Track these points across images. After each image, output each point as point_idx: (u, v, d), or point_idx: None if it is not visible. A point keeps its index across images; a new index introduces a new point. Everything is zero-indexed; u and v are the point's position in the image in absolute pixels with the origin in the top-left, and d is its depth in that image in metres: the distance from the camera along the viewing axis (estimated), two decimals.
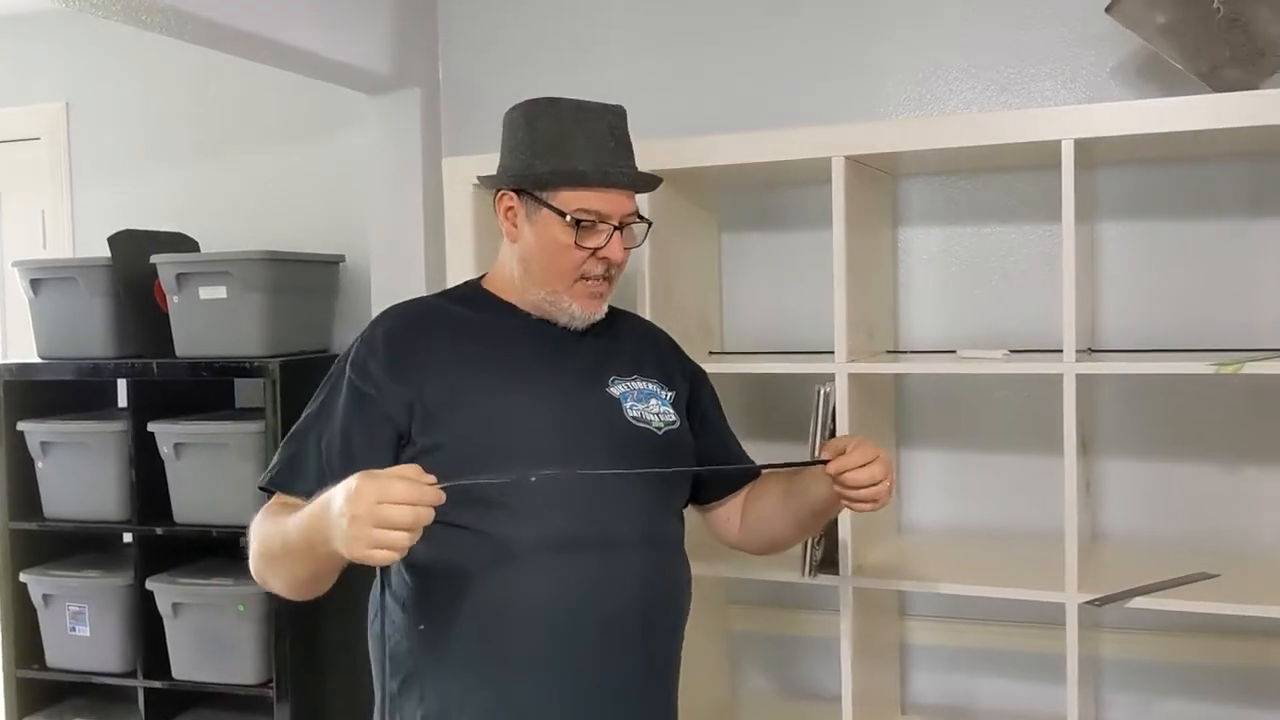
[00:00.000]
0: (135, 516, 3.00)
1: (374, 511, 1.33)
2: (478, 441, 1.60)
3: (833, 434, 2.20)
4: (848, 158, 2.19)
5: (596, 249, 1.65)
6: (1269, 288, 2.33)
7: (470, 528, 1.57)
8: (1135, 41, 2.32)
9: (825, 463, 1.61)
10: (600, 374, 1.71)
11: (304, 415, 1.66)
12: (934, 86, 2.59)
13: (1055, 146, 2.05)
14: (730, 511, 1.87)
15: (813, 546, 2.20)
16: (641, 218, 1.72)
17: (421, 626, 1.61)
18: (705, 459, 1.80)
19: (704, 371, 1.94)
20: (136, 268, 3.03)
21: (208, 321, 2.94)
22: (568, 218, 1.64)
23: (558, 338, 1.70)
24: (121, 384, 3.31)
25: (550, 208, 1.65)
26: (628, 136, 1.73)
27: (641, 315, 2.16)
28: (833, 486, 1.62)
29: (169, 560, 3.06)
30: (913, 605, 2.62)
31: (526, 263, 1.69)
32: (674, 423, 1.73)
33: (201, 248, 3.24)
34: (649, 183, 1.73)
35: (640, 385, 1.73)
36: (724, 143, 2.30)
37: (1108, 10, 2.20)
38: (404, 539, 1.34)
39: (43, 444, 3.10)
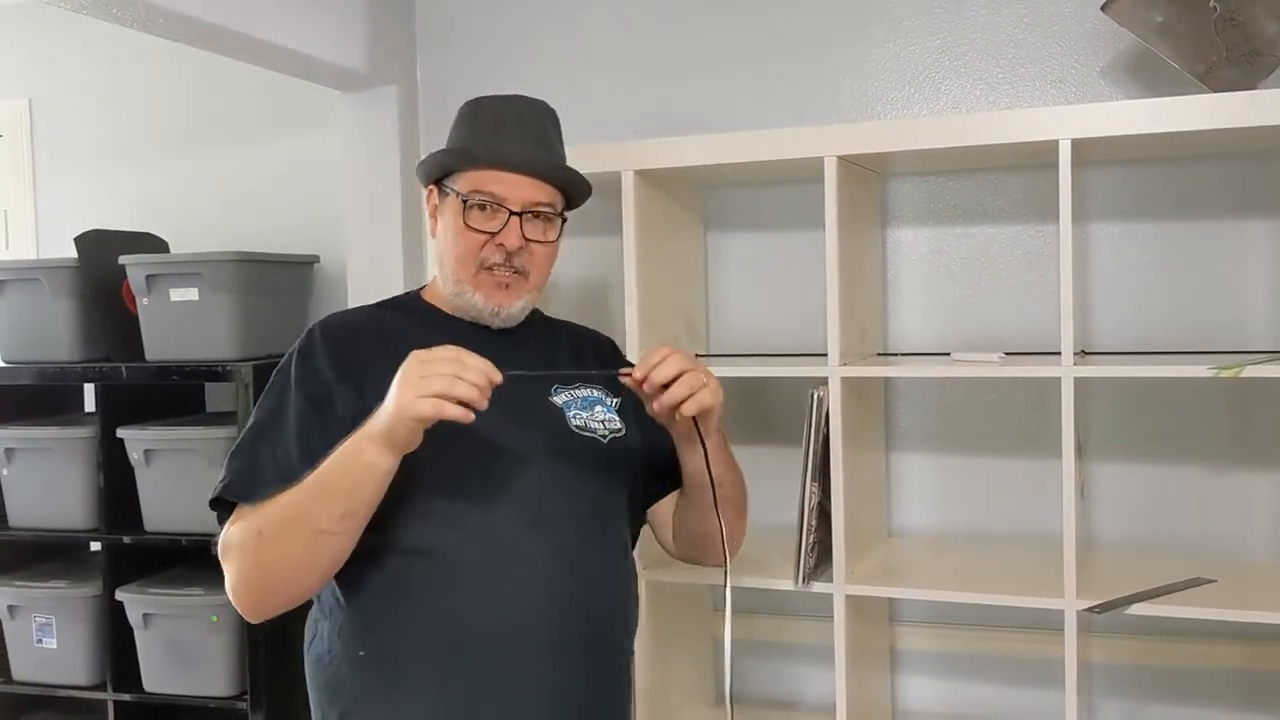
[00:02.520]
0: (104, 525, 2.93)
1: (430, 368, 1.38)
2: (416, 453, 1.53)
3: (826, 438, 2.16)
4: (839, 158, 2.16)
5: (492, 234, 1.60)
6: (1260, 289, 2.32)
7: (406, 544, 1.53)
8: (1124, 41, 2.31)
9: (631, 367, 1.56)
10: (542, 384, 1.67)
11: (247, 429, 1.59)
12: (922, 86, 2.56)
13: (1048, 146, 2.03)
14: (666, 516, 1.82)
15: (805, 554, 2.16)
16: (559, 213, 1.67)
17: (361, 652, 1.54)
18: (649, 460, 1.74)
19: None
20: (104, 269, 2.95)
21: (178, 324, 2.87)
22: (460, 197, 1.60)
23: (496, 346, 1.60)
24: (89, 388, 3.23)
25: (453, 192, 1.63)
26: (544, 129, 1.68)
27: (609, 321, 2.18)
28: (669, 417, 1.58)
29: (139, 569, 2.99)
30: (902, 611, 2.60)
31: (441, 257, 1.67)
32: (619, 430, 1.68)
33: (171, 248, 3.17)
34: (553, 171, 1.66)
35: (584, 393, 1.69)
36: (715, 142, 2.27)
37: (1103, 9, 2.18)
38: (465, 389, 1.37)
39: (7, 450, 3.01)
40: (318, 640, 1.61)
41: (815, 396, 2.15)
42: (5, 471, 3.04)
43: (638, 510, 1.79)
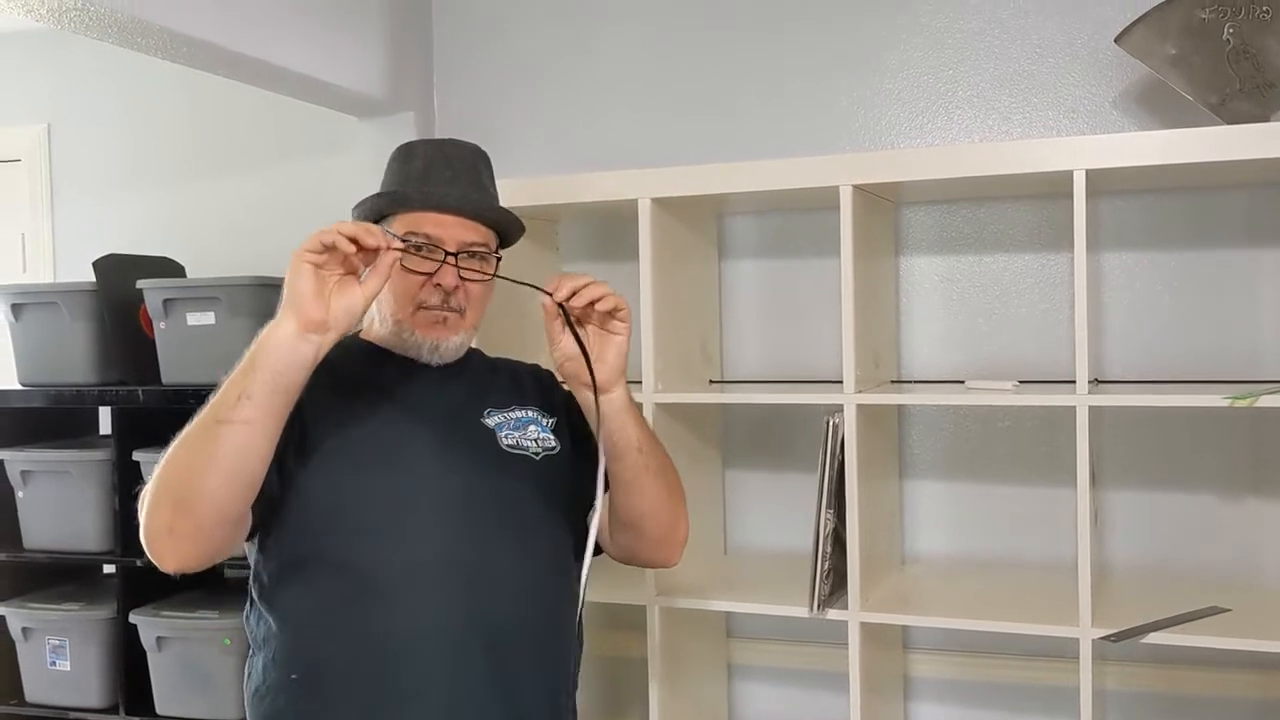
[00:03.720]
0: (118, 547, 2.93)
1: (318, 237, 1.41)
2: (344, 471, 1.56)
3: (841, 465, 2.17)
4: (855, 186, 2.17)
5: (428, 275, 1.60)
6: (1273, 318, 2.33)
7: (336, 560, 1.54)
8: (1137, 72, 2.33)
9: (549, 294, 1.55)
10: (474, 408, 1.68)
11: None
12: (935, 115, 2.58)
13: (1062, 176, 2.05)
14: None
15: (820, 581, 2.17)
16: (493, 252, 1.68)
17: (294, 676, 1.54)
18: (586, 476, 1.69)
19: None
20: (121, 293, 2.96)
21: (195, 348, 2.88)
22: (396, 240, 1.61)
23: (430, 378, 1.65)
24: (105, 412, 3.24)
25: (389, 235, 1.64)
26: (476, 169, 1.70)
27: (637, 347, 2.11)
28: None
29: (152, 592, 2.98)
30: (916, 638, 2.60)
31: (379, 299, 1.64)
32: (554, 448, 1.69)
33: (188, 272, 3.19)
34: (485, 211, 1.67)
35: (518, 414, 1.70)
36: (731, 171, 2.29)
37: (1117, 41, 2.20)
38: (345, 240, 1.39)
39: (23, 473, 3.02)
40: (253, 675, 1.61)
41: (830, 423, 2.16)
42: (21, 494, 3.04)
43: (579, 524, 1.74)
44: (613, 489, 1.65)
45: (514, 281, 1.59)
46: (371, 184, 2.89)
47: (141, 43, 2.28)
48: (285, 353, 1.40)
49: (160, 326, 2.91)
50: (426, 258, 1.60)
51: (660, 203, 2.33)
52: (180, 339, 2.90)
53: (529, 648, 1.60)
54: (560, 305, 1.54)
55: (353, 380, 1.63)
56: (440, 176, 1.66)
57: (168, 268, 3.14)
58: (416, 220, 1.62)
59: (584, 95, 2.83)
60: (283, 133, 3.26)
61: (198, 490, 1.40)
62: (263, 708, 1.58)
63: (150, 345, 2.95)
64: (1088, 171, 2.01)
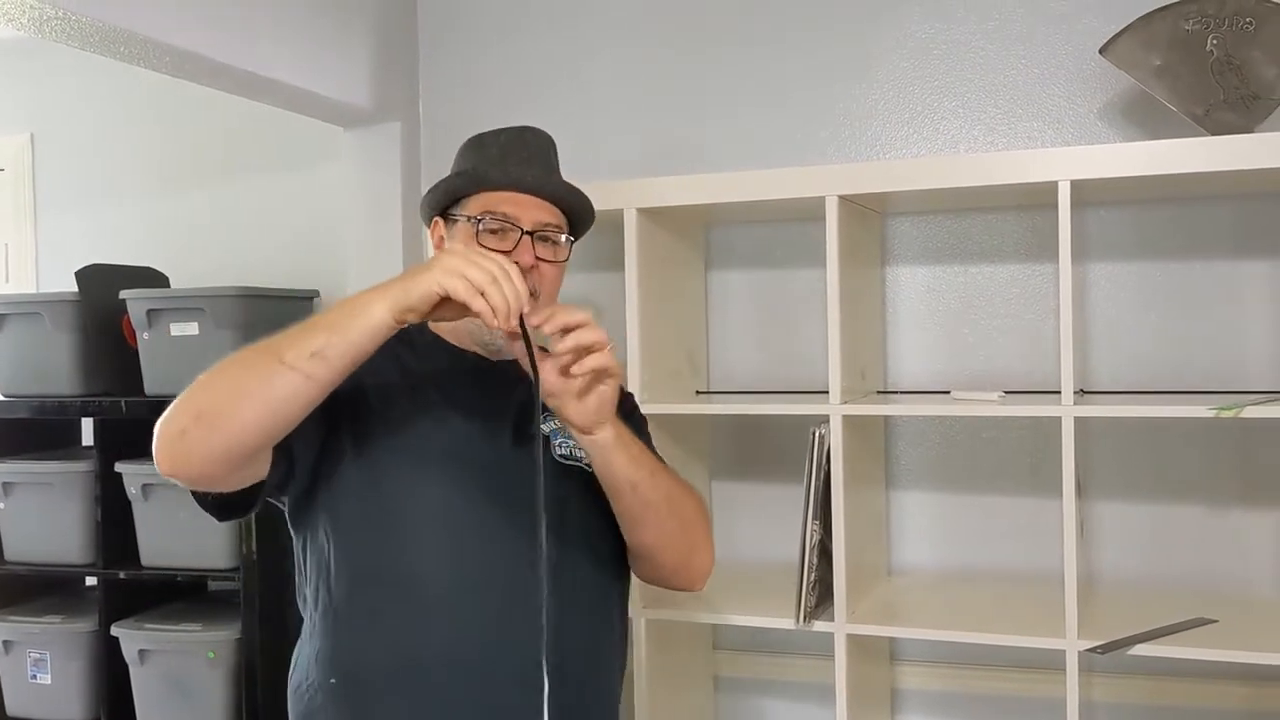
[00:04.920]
0: (101, 559, 2.91)
1: (483, 261, 1.37)
2: (403, 477, 1.54)
3: (827, 476, 2.16)
4: (841, 197, 2.17)
5: (505, 253, 1.57)
6: (1258, 329, 2.33)
7: (386, 570, 1.52)
8: (1122, 83, 2.33)
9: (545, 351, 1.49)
10: (530, 411, 1.63)
11: None
12: (921, 126, 2.58)
13: (1047, 187, 2.05)
14: None
15: (807, 592, 2.16)
16: (568, 235, 1.67)
17: (333, 680, 1.53)
18: None
19: (634, 398, 1.91)
20: (105, 303, 2.95)
21: (179, 359, 2.86)
22: (471, 220, 1.61)
23: (493, 376, 1.63)
24: (87, 423, 3.22)
25: (462, 217, 1.63)
26: (547, 153, 1.72)
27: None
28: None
29: (135, 605, 2.97)
30: (903, 650, 2.59)
31: None
32: None
33: (172, 283, 3.17)
34: (561, 190, 1.67)
35: None
36: (717, 181, 2.29)
37: (1101, 51, 2.20)
38: (496, 295, 1.35)
39: (5, 484, 3.00)
40: (298, 669, 1.60)
41: (816, 434, 2.15)
42: (2, 505, 3.02)
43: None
44: (620, 525, 1.64)
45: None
46: (357, 193, 2.93)
47: (124, 52, 2.27)
48: (373, 333, 1.37)
49: (143, 337, 2.90)
50: (503, 237, 1.59)
51: (646, 213, 2.33)
52: (163, 349, 2.88)
53: (578, 672, 1.56)
54: (522, 325, 1.42)
55: (420, 375, 1.62)
56: (518, 157, 1.66)
57: (151, 278, 3.13)
58: (493, 200, 1.62)
59: (570, 106, 2.83)
60: (267, 143, 3.25)
61: (230, 411, 1.36)
62: (303, 704, 1.57)
63: (133, 356, 2.94)
64: (1072, 182, 2.02)
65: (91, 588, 3.07)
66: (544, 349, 1.50)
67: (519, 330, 1.41)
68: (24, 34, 2.17)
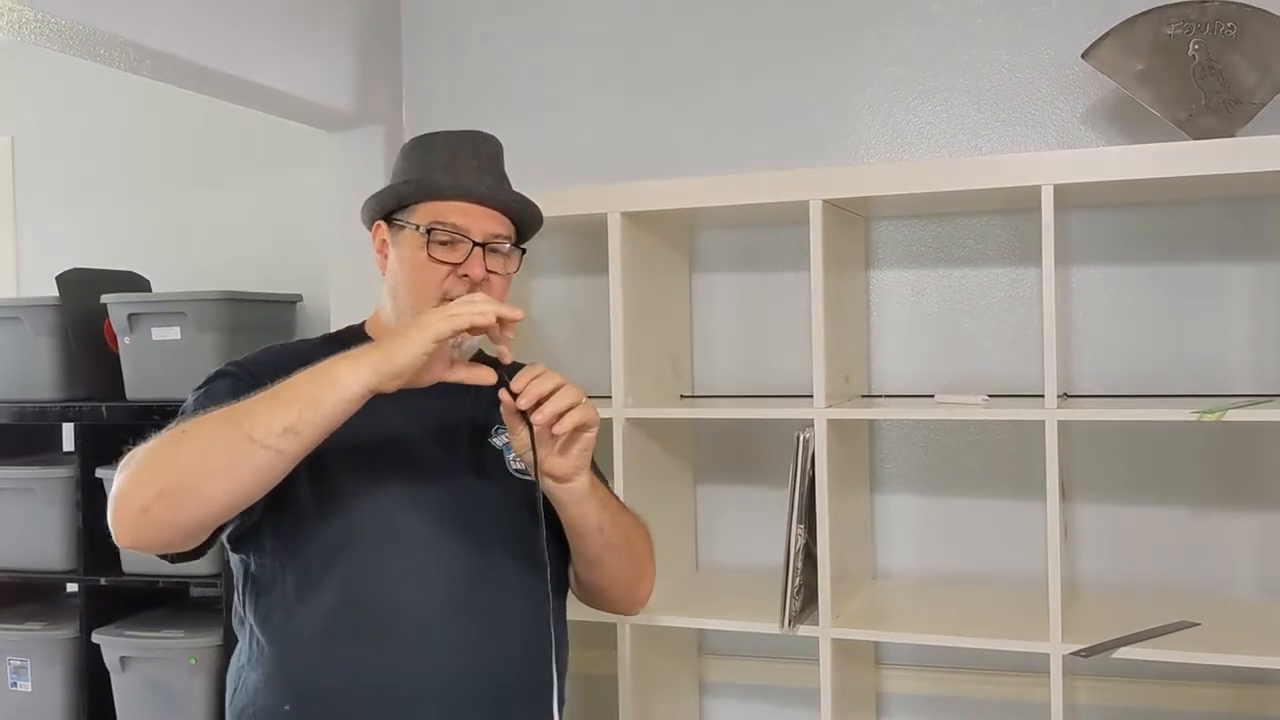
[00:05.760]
0: (81, 566, 2.89)
1: (447, 306, 1.40)
2: (357, 499, 1.51)
3: (812, 480, 2.16)
4: (825, 201, 2.17)
5: (455, 264, 1.57)
6: (1241, 332, 2.34)
7: (343, 594, 1.48)
8: (1105, 88, 2.34)
9: (514, 394, 1.45)
10: (484, 424, 1.64)
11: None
12: (904, 130, 2.58)
13: (1030, 191, 2.05)
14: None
15: (791, 597, 2.16)
16: (516, 245, 1.66)
17: (287, 706, 1.49)
18: None
19: None
20: (86, 307, 2.93)
21: (160, 363, 2.85)
22: (422, 229, 1.58)
23: (443, 389, 1.50)
24: (68, 428, 3.20)
25: (410, 225, 1.60)
26: (498, 161, 1.70)
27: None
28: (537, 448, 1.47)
29: (116, 611, 2.95)
30: (888, 654, 2.59)
31: (394, 290, 1.63)
32: None
33: (154, 287, 3.16)
34: (513, 200, 1.64)
35: None
36: (701, 185, 2.28)
37: (1084, 56, 2.21)
38: (478, 311, 1.36)
39: None
40: (241, 691, 1.55)
41: (801, 438, 2.15)
42: None
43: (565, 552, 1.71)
44: (575, 561, 1.63)
45: (487, 364, 1.50)
46: (340, 197, 2.91)
47: (105, 55, 2.25)
48: (350, 405, 1.35)
49: (125, 341, 2.88)
50: (453, 248, 1.57)
51: (630, 217, 2.32)
52: (145, 354, 2.87)
53: (532, 688, 1.54)
54: (526, 417, 1.44)
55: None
56: (467, 165, 1.63)
57: (133, 282, 3.11)
58: (442, 210, 1.59)
59: (554, 109, 2.82)
60: (250, 147, 3.23)
61: (196, 489, 1.33)
62: None
63: (115, 360, 2.92)
64: (1055, 186, 2.02)
65: (72, 594, 3.06)
66: (502, 365, 1.49)
67: (522, 417, 1.44)
68: (3, 36, 2.15)
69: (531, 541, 1.54)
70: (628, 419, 2.30)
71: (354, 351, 1.36)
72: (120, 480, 1.37)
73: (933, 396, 2.41)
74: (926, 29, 2.55)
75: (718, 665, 2.70)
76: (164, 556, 1.49)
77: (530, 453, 1.47)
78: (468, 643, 1.50)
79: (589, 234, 2.55)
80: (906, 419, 2.55)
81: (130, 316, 2.86)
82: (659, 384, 2.49)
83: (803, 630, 2.18)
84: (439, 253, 1.57)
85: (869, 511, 2.57)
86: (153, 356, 2.86)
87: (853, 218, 2.44)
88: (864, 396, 2.54)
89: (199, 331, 2.82)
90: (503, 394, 1.45)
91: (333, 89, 2.72)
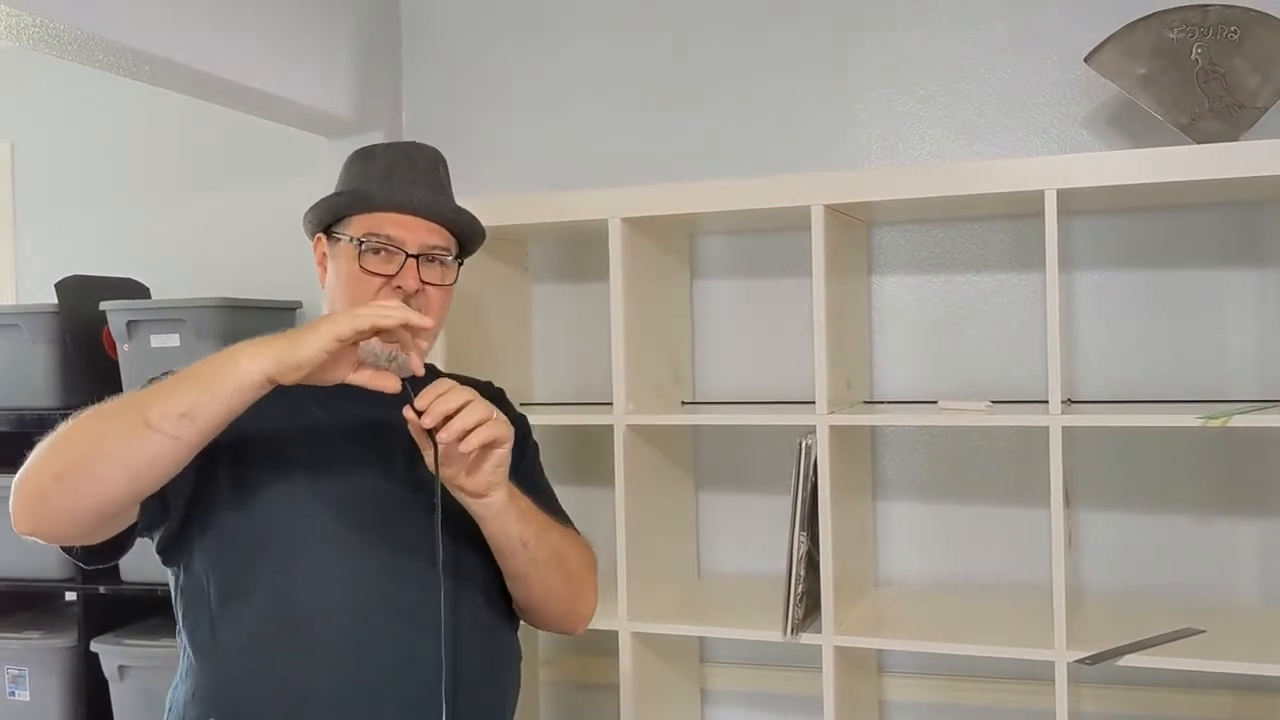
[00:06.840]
0: (80, 574, 2.88)
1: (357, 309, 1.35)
2: (283, 506, 1.49)
3: (814, 486, 2.15)
4: (827, 206, 2.16)
5: (390, 276, 1.55)
6: (1245, 338, 2.33)
7: (265, 603, 1.46)
8: (1106, 92, 2.33)
9: (419, 412, 1.39)
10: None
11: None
12: (906, 134, 2.57)
13: (1033, 196, 2.05)
14: None
15: (794, 604, 2.14)
16: (455, 256, 1.63)
17: (212, 718, 1.46)
18: None
19: (527, 423, 1.79)
20: (85, 315, 2.92)
21: (159, 370, 2.83)
22: (355, 241, 1.56)
23: (381, 396, 1.43)
24: None
25: (345, 237, 1.58)
26: (437, 173, 1.66)
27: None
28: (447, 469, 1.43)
29: (115, 620, 2.94)
30: (891, 662, 2.57)
31: (332, 303, 1.61)
32: None
33: (153, 294, 3.15)
34: (449, 210, 1.62)
35: None
36: (702, 190, 2.27)
37: (1086, 60, 2.20)
38: (383, 315, 1.34)
39: None
40: (173, 709, 1.53)
41: (803, 445, 2.14)
42: None
43: None
44: (505, 578, 1.59)
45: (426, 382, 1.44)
46: None
47: (104, 61, 2.24)
48: (248, 393, 1.32)
49: (124, 348, 2.87)
50: (387, 260, 1.55)
51: (631, 222, 2.31)
52: (144, 361, 2.85)
53: (465, 700, 1.50)
54: (430, 435, 1.38)
55: (296, 395, 1.42)
56: (403, 177, 1.61)
57: (131, 289, 3.11)
58: (376, 221, 1.56)
59: (554, 114, 2.82)
60: (249, 152, 3.22)
61: (91, 473, 1.32)
62: None
63: (113, 367, 2.91)
64: (1058, 191, 2.01)
65: (71, 603, 3.04)
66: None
67: (425, 434, 1.38)
68: (3, 42, 2.14)
69: (471, 548, 1.53)
70: (628, 426, 2.28)
71: (259, 339, 1.34)
72: (23, 468, 1.36)
73: (935, 403, 2.40)
74: (928, 34, 2.54)
75: (719, 673, 2.69)
76: (72, 555, 1.48)
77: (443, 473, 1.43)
78: (387, 644, 1.48)
79: (589, 240, 2.54)
80: (909, 425, 2.54)
81: (129, 323, 2.85)
82: (660, 390, 2.48)
83: (805, 638, 2.17)
84: (372, 264, 1.55)
85: (871, 518, 2.56)
86: (152, 363, 2.84)
87: (854, 223, 2.43)
88: (866, 403, 2.53)
89: (198, 339, 2.81)
90: (407, 411, 1.39)
91: (332, 95, 2.71)
